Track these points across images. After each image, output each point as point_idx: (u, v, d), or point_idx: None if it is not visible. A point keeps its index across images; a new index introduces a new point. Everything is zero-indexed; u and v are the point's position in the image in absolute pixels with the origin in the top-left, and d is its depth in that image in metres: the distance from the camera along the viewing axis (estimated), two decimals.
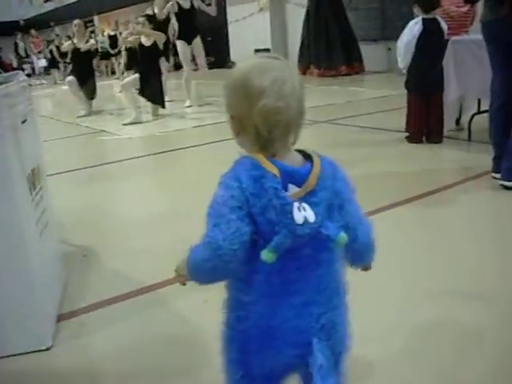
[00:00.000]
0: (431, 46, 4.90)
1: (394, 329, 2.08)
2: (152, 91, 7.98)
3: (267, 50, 16.87)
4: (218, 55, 19.73)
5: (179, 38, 8.98)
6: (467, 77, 4.84)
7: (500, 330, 2.05)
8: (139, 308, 2.40)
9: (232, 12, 18.95)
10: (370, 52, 12.85)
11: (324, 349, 1.16)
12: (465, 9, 5.29)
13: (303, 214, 1.09)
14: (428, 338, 2.02)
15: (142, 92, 7.91)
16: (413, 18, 5.12)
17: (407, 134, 5.23)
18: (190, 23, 8.96)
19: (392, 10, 12.67)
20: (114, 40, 18.35)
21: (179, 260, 1.22)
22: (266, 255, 1.08)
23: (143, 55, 8.04)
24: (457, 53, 4.90)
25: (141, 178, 4.75)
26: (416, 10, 5.04)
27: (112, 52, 18.41)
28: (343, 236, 1.12)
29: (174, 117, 8.28)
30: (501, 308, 2.20)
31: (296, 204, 1.09)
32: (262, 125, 1.09)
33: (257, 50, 16.96)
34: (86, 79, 9.19)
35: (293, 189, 1.10)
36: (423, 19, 4.93)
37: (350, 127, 6.37)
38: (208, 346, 1.99)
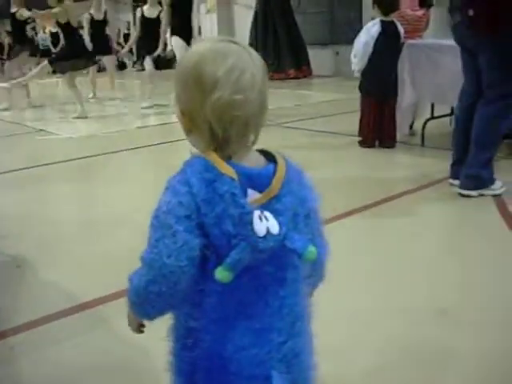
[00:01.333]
0: (388, 48, 4.82)
1: (358, 344, 1.91)
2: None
3: None
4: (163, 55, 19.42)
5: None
6: (422, 81, 4.77)
7: (466, 345, 1.91)
8: (76, 328, 2.15)
9: None
10: (317, 56, 12.83)
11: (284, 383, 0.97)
12: (420, 12, 5.25)
13: (265, 224, 0.91)
14: (392, 355, 1.86)
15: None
16: (360, 23, 5.06)
17: (360, 138, 5.11)
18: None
19: (340, 14, 12.68)
20: (55, 37, 17.83)
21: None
22: (221, 274, 0.90)
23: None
24: (412, 56, 4.82)
25: (79, 181, 4.47)
26: (375, 11, 4.96)
27: (54, 50, 17.88)
28: (312, 250, 0.94)
29: (120, 117, 8.00)
30: (466, 321, 2.07)
31: (257, 212, 0.91)
32: (216, 121, 0.93)
33: None
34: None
35: (253, 194, 0.93)
36: (381, 21, 4.84)
37: (300, 130, 6.23)
38: (154, 375, 1.78)
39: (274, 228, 0.92)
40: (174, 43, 7.81)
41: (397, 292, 2.34)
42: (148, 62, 8.59)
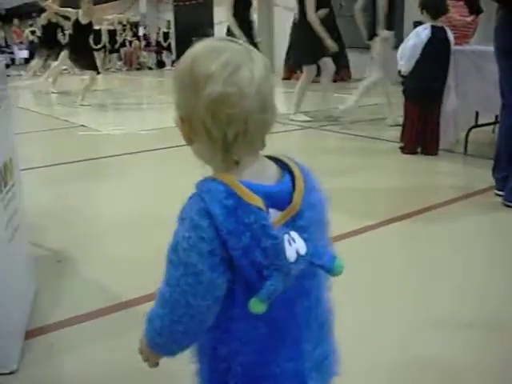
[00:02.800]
0: (437, 54, 4.71)
1: (384, 362, 1.86)
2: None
3: None
4: None
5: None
6: (467, 88, 4.67)
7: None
8: (115, 328, 2.13)
9: (219, 13, 18.73)
10: (358, 59, 12.71)
11: None
12: (469, 19, 5.14)
13: (294, 247, 0.85)
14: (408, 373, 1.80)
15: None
16: (402, 27, 4.98)
17: (402, 144, 5.03)
18: None
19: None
20: (97, 34, 18.07)
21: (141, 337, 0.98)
22: (256, 306, 0.84)
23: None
24: (457, 63, 4.73)
25: (120, 178, 4.48)
26: (424, 16, 4.84)
27: (95, 47, 18.12)
28: (340, 263, 0.90)
29: (154, 113, 8.04)
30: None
31: (286, 237, 0.85)
32: (211, 121, 0.84)
33: None
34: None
35: (274, 214, 0.86)
36: (432, 26, 4.74)
37: (339, 134, 6.17)
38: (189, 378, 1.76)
39: (302, 249, 0.86)
40: None
41: (440, 303, 2.28)
42: None
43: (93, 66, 9.43)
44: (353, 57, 12.69)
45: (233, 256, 0.83)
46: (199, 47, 0.89)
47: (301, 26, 6.70)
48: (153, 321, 0.93)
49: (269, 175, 0.89)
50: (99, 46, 18.23)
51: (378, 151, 5.22)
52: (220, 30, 18.75)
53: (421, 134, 4.88)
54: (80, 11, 9.06)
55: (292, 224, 0.86)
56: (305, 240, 0.87)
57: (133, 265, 2.67)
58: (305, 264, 0.87)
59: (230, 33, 6.94)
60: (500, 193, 3.50)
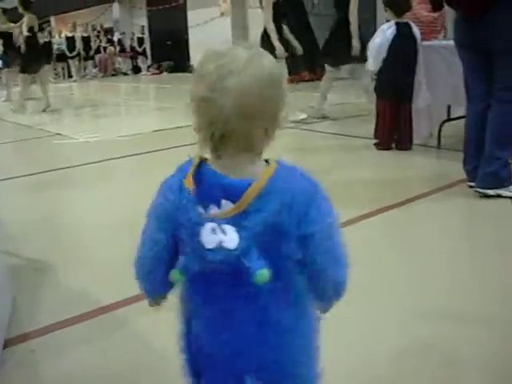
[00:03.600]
0: (404, 50, 4.79)
1: (373, 351, 1.90)
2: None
3: None
4: (178, 60, 19.52)
5: None
6: (438, 82, 4.74)
7: (480, 354, 1.89)
8: (97, 332, 2.15)
9: (192, 16, 18.75)
10: None
11: None
12: (436, 14, 5.21)
13: (219, 237, 0.92)
14: (407, 362, 1.84)
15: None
16: (374, 24, 5.05)
17: (376, 140, 5.09)
18: None
19: None
20: (71, 41, 18.01)
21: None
22: (174, 274, 0.99)
23: None
24: (427, 58, 4.79)
25: (97, 185, 4.47)
26: (388, 14, 4.95)
27: (69, 54, 18.05)
28: (264, 273, 0.92)
29: (131, 119, 8.03)
30: (479, 330, 2.05)
31: (210, 225, 0.93)
32: (196, 118, 0.94)
33: None
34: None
35: (226, 205, 0.92)
36: (396, 23, 4.83)
37: (316, 133, 6.22)
38: (173, 374, 1.78)
39: (230, 243, 0.92)
40: None
41: (416, 294, 2.32)
42: None
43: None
44: None
45: (176, 227, 0.98)
46: (209, 49, 1.00)
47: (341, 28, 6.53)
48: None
49: (245, 173, 0.94)
50: (74, 54, 18.16)
51: (353, 148, 5.27)
52: (194, 33, 18.78)
53: (393, 130, 4.96)
54: (24, 23, 9.00)
55: (237, 220, 0.92)
56: (241, 239, 0.92)
57: (111, 269, 2.69)
58: (227, 258, 0.92)
59: (264, 39, 6.87)
60: (472, 184, 3.56)
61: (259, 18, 14.44)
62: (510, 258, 2.66)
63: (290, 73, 12.60)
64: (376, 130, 5.10)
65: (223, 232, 0.92)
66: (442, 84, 4.70)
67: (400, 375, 1.78)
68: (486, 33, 3.28)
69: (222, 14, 17.49)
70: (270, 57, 0.96)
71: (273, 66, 0.95)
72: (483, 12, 3.22)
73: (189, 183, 0.95)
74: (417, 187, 3.86)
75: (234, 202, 0.92)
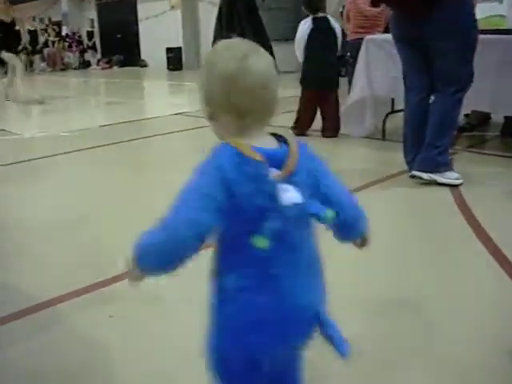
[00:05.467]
0: (322, 43, 5.03)
1: None
2: None
3: (179, 48, 16.66)
4: (128, 53, 19.31)
5: None
6: (379, 75, 4.82)
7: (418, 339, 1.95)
8: (35, 328, 2.12)
9: (143, 9, 18.58)
10: (281, 52, 12.85)
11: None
12: (378, 9, 5.30)
13: (288, 195, 1.06)
14: None
15: None
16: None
17: (294, 125, 5.41)
18: None
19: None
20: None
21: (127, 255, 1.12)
22: (260, 242, 1.03)
23: None
24: (369, 51, 4.87)
25: (45, 180, 4.40)
26: (305, 10, 5.28)
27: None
28: (330, 212, 1.09)
29: (79, 114, 7.93)
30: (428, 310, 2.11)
31: (281, 185, 1.06)
32: (236, 104, 1.06)
33: (168, 49, 16.71)
34: None
35: (274, 172, 1.07)
36: (313, 18, 5.13)
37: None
38: (116, 371, 1.79)
39: (297, 198, 1.07)
40: None
41: (364, 284, 2.36)
42: None
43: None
44: (278, 50, 12.80)
45: (239, 202, 1.03)
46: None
47: None
48: (141, 239, 1.10)
49: (270, 143, 1.10)
50: (20, 48, 17.73)
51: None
52: (145, 27, 18.59)
53: (312, 118, 5.36)
54: None
55: (288, 180, 1.06)
56: (300, 193, 1.07)
57: (49, 266, 2.67)
58: (299, 211, 1.07)
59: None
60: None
61: (210, 11, 14.44)
62: (443, 248, 2.75)
63: None
64: (298, 119, 5.41)
65: (288, 190, 1.06)
66: (384, 77, 4.79)
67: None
68: (421, 29, 3.37)
69: (173, 8, 17.37)
70: None
71: None
72: (426, 17, 3.31)
73: (254, 155, 1.04)
74: (359, 178, 3.91)
75: (276, 167, 1.06)
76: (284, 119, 5.89)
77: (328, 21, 5.16)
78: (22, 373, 1.84)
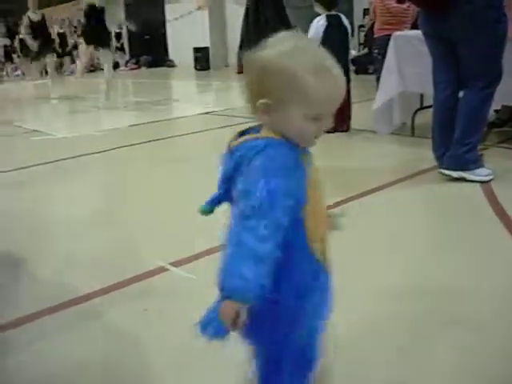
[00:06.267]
0: (335, 40, 5.08)
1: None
2: None
3: (206, 48, 16.73)
4: (156, 54, 19.44)
5: None
6: (409, 71, 4.81)
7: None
8: (67, 324, 2.17)
9: (170, 10, 18.67)
10: None
11: None
12: (405, 5, 5.28)
13: None
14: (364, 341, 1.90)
15: None
16: (351, 16, 5.21)
17: None
18: None
19: None
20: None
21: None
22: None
23: None
24: (398, 48, 4.86)
25: (77, 179, 4.47)
26: (318, 8, 5.31)
27: None
28: (204, 206, 1.31)
29: (109, 115, 8.04)
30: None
31: None
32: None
33: (195, 49, 16.80)
34: None
35: None
36: (327, 15, 5.18)
37: None
38: (146, 370, 1.83)
39: None
40: None
41: (393, 275, 2.37)
42: None
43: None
44: None
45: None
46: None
47: None
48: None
49: None
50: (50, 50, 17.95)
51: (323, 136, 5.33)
52: (172, 27, 18.71)
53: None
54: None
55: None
56: None
57: (80, 262, 2.74)
58: None
59: None
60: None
61: (237, 12, 14.48)
62: (474, 242, 2.74)
63: None
64: None
65: None
66: (415, 73, 4.77)
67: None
68: (448, 24, 3.36)
69: (200, 8, 17.44)
70: None
71: None
72: (444, 11, 3.30)
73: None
74: (389, 175, 3.91)
75: None
76: None
77: (340, 18, 5.27)
78: (57, 367, 1.89)
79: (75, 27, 20.62)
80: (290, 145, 1.09)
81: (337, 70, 1.10)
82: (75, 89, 9.58)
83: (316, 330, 1.25)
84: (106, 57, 9.12)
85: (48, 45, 10.33)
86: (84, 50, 9.10)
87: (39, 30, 9.96)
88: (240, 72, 14.01)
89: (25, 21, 10.05)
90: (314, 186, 1.15)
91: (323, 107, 1.10)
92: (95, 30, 8.69)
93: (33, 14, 9.97)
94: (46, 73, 10.51)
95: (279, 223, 1.03)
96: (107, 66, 9.08)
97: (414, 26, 5.14)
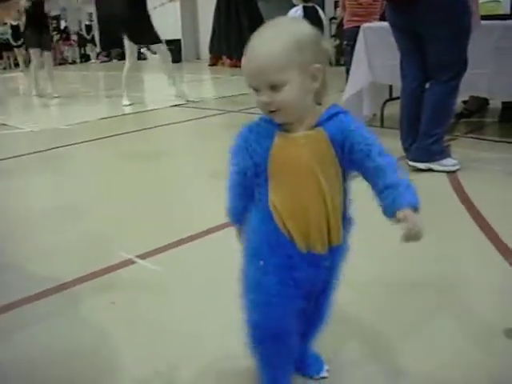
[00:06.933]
0: None
1: None
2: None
3: (178, 41, 16.63)
4: None
5: None
6: (378, 63, 4.83)
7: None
8: (36, 315, 2.16)
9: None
10: None
11: None
12: None
13: None
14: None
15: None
16: (323, 9, 5.25)
17: None
18: None
19: None
20: (16, 30, 17.57)
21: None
22: None
23: None
24: (367, 39, 4.88)
25: (38, 173, 4.44)
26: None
27: (14, 43, 17.62)
28: None
29: (79, 107, 7.96)
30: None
31: None
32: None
33: (167, 41, 16.68)
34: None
35: None
36: (304, 7, 5.31)
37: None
38: (116, 356, 1.83)
39: None
40: None
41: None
42: None
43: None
44: None
45: None
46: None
47: None
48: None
49: None
50: (19, 43, 17.71)
51: None
52: None
53: None
54: None
55: None
56: None
57: (57, 252, 2.74)
58: None
59: None
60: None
61: (208, 3, 14.42)
62: (442, 230, 2.78)
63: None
64: None
65: None
66: (381, 64, 4.80)
67: None
68: (413, 16, 3.39)
69: (172, 0, 17.32)
70: None
71: None
72: (409, 3, 3.33)
73: None
74: None
75: None
76: None
77: (317, 10, 5.38)
78: (25, 358, 1.88)
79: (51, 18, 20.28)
80: (264, 121, 1.28)
81: (252, 44, 1.19)
82: (46, 82, 9.41)
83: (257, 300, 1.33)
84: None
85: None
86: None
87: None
88: (212, 64, 13.98)
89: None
90: (281, 164, 1.26)
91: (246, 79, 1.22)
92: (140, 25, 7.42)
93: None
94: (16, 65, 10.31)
95: (230, 175, 1.35)
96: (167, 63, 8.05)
97: (383, 18, 5.17)
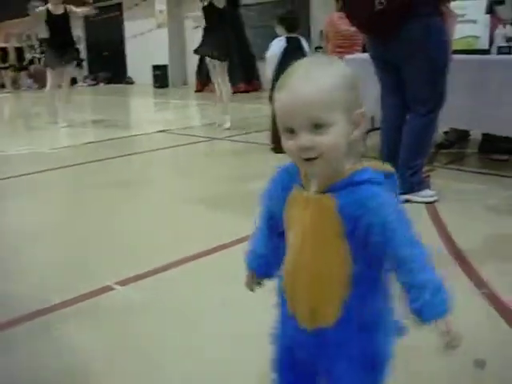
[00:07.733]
0: (292, 61, 5.09)
1: None
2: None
3: (165, 66, 16.75)
4: (115, 71, 19.38)
5: None
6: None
7: None
8: (16, 340, 2.15)
9: (129, 27, 18.69)
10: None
11: None
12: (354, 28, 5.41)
13: None
14: None
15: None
16: (309, 37, 5.31)
17: (272, 145, 5.36)
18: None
19: None
20: (4, 52, 17.65)
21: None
22: None
23: None
24: None
25: (19, 196, 4.43)
26: (279, 29, 5.46)
27: (2, 65, 17.67)
28: None
29: (65, 132, 7.97)
30: None
31: None
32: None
33: (155, 66, 16.80)
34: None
35: None
36: (287, 37, 5.33)
37: (247, 144, 6.32)
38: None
39: None
40: None
41: None
42: None
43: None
44: (262, 67, 12.93)
45: None
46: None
47: None
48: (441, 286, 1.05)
49: None
50: (7, 65, 17.77)
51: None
52: (131, 44, 18.68)
53: None
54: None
55: None
56: None
57: (6, 281, 2.72)
58: None
59: None
60: None
61: (196, 30, 14.53)
62: None
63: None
64: (274, 136, 5.28)
65: None
66: (365, 95, 4.86)
67: None
68: (391, 49, 3.47)
69: (159, 26, 17.48)
70: None
71: None
72: (393, 38, 3.40)
73: None
74: None
75: None
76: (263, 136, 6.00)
77: (300, 41, 5.40)
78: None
79: (40, 41, 20.38)
80: (291, 168, 1.19)
81: (291, 80, 1.09)
82: (31, 105, 9.43)
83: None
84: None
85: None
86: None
87: None
88: (198, 90, 14.06)
89: None
90: (287, 221, 1.17)
91: (280, 118, 1.09)
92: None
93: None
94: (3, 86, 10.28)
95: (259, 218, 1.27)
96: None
97: (365, 49, 5.28)
